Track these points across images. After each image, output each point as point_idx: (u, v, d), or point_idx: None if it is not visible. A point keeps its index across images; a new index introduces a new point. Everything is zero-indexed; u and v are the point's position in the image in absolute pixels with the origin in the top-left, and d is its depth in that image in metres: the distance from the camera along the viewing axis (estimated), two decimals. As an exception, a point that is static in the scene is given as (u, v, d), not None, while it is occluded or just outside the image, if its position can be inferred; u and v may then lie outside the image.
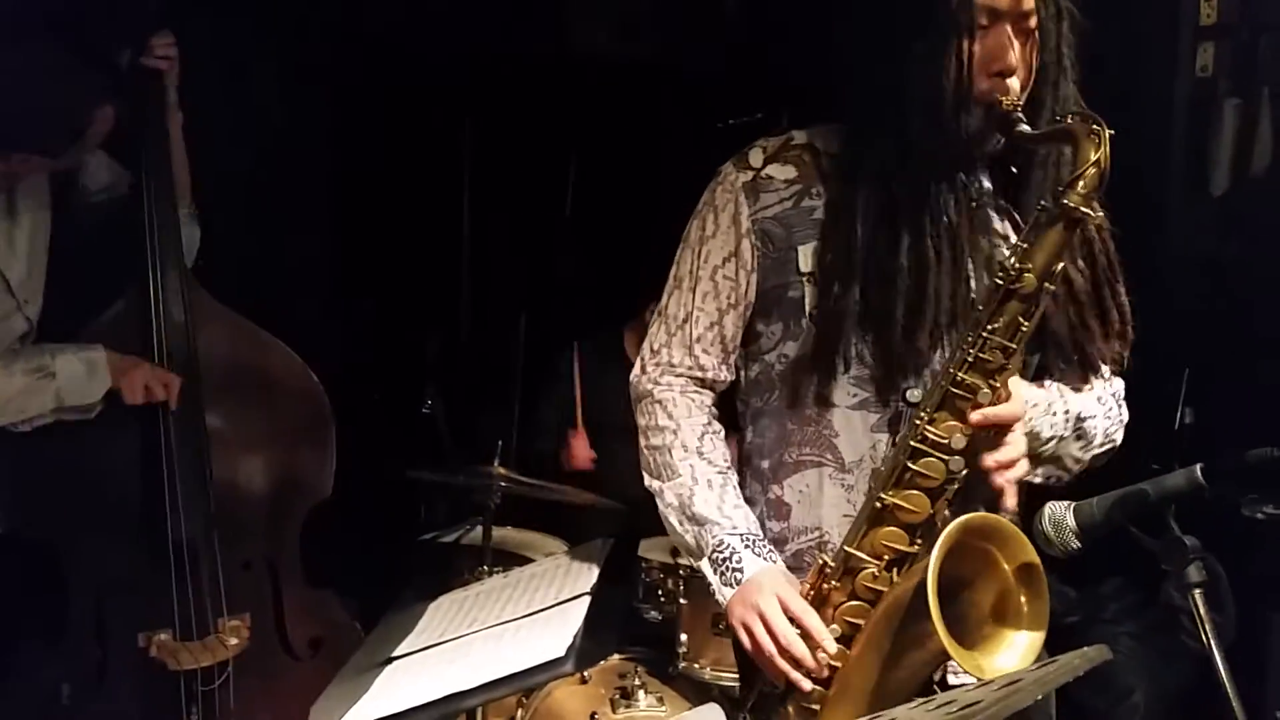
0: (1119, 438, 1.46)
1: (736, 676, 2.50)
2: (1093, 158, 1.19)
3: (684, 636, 2.50)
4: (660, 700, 2.35)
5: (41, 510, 2.02)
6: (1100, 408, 1.42)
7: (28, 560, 2.03)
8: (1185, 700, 2.39)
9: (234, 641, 2.11)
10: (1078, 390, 1.40)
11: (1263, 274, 2.67)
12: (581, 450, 3.16)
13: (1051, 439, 1.37)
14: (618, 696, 2.35)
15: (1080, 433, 1.40)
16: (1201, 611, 1.02)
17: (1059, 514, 1.17)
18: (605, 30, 3.77)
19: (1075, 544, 1.15)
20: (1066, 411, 1.38)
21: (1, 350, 1.94)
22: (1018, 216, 1.39)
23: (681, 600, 2.52)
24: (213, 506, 2.10)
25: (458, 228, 3.85)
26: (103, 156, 2.11)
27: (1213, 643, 1.02)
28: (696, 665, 2.49)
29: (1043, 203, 1.25)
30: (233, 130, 2.73)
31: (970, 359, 1.26)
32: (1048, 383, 1.39)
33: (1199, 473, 1.07)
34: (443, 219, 3.83)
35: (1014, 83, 1.30)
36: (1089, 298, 1.36)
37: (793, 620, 1.31)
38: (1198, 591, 1.02)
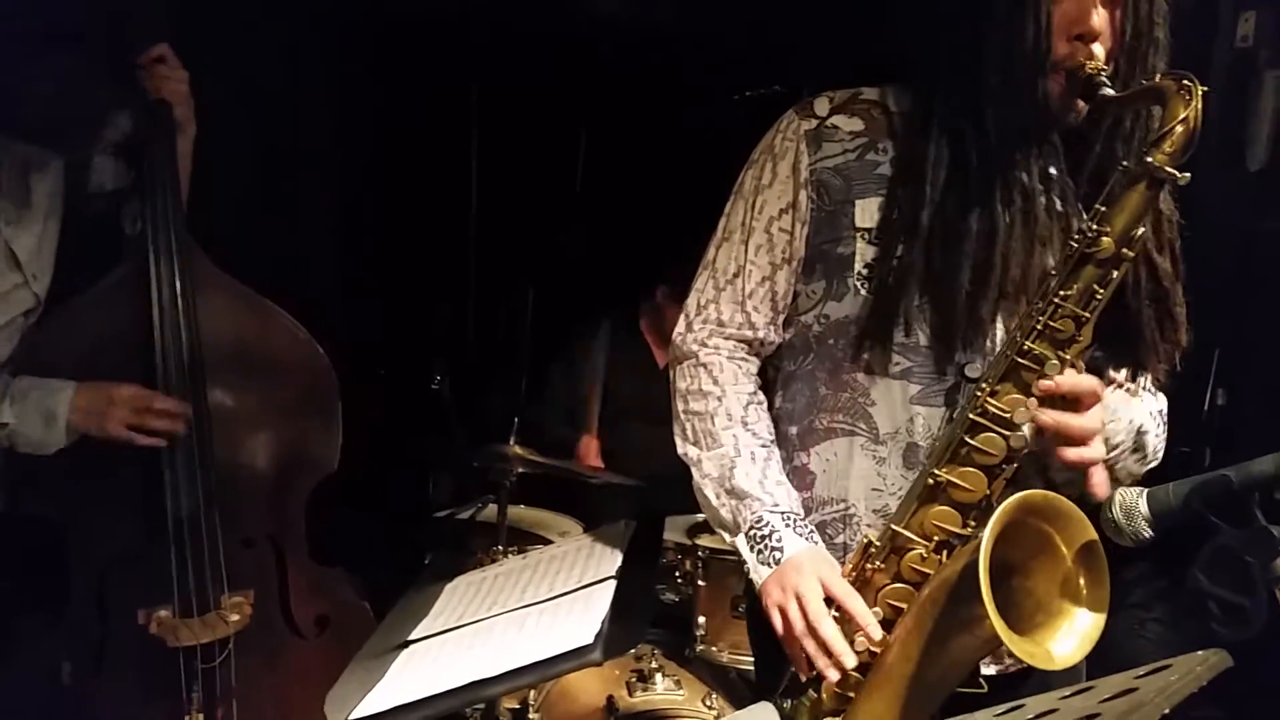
0: (1161, 454, 1.38)
1: (753, 660, 2.48)
2: (1181, 114, 1.11)
3: (701, 619, 2.45)
4: (678, 684, 2.29)
5: (41, 486, 1.96)
6: (1152, 422, 1.34)
7: (27, 537, 1.98)
8: (1214, 689, 2.33)
9: (235, 618, 2.05)
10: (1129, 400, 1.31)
11: (1300, 251, 2.60)
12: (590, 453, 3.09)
13: (1118, 447, 1.29)
14: (634, 679, 2.30)
15: (1139, 445, 1.32)
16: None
17: (1130, 501, 1.09)
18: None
19: (1148, 532, 1.07)
20: (1130, 420, 1.30)
21: None
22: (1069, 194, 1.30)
23: (699, 582, 2.47)
24: (214, 482, 2.03)
25: (466, 200, 3.78)
26: (109, 161, 2.07)
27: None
28: (714, 649, 2.44)
29: (1125, 163, 1.16)
30: (236, 102, 2.66)
31: (1039, 326, 1.18)
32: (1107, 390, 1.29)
33: (1292, 458, 0.99)
34: (450, 192, 3.76)
35: (1098, 49, 1.21)
36: (1159, 289, 1.28)
37: (835, 604, 1.23)
38: (1289, 587, 0.94)
